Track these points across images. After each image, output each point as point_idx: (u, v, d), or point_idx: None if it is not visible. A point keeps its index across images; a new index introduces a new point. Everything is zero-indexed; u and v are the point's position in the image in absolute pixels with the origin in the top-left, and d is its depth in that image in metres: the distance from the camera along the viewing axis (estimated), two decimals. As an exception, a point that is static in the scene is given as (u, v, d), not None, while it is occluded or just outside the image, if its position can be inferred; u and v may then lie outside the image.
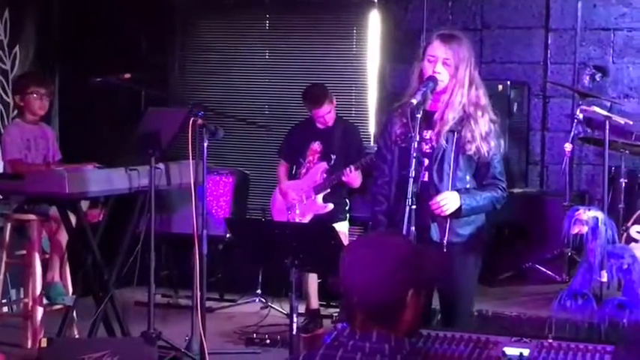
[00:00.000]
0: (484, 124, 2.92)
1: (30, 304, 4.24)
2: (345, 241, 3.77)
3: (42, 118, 4.58)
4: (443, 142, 2.92)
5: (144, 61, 5.47)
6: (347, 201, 4.69)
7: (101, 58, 5.31)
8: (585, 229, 3.97)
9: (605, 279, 3.98)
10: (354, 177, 4.51)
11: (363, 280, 1.60)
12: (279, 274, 4.00)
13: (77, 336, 4.33)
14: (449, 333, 2.22)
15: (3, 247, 4.31)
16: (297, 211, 4.69)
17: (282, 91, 5.66)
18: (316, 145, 4.65)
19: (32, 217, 4.25)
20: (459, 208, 2.87)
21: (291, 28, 5.80)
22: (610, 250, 3.95)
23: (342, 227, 4.43)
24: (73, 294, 4.46)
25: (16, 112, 4.87)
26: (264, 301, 5.27)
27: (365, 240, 2.04)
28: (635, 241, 4.25)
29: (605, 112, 4.30)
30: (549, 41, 5.07)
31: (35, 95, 4.37)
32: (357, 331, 1.60)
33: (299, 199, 4.70)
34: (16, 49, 5.55)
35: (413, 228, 2.70)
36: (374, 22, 5.53)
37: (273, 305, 5.13)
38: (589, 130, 4.74)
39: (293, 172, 4.76)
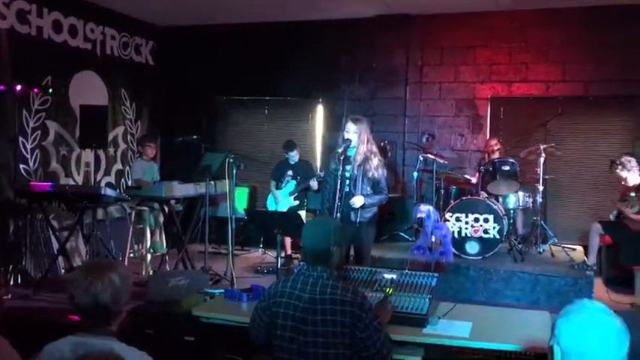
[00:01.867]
0: (375, 162, 4.47)
1: (144, 252, 6.55)
2: (304, 221, 5.64)
3: (151, 159, 7.08)
4: (356, 171, 4.44)
5: (204, 130, 8.05)
6: (305, 200, 7.12)
7: (181, 128, 7.61)
8: (424, 214, 6.06)
9: (433, 240, 6.05)
10: (315, 184, 6.97)
11: (312, 243, 2.68)
12: (271, 236, 5.70)
13: (168, 269, 6.21)
14: (358, 267, 3.49)
15: (131, 224, 6.63)
16: (281, 205, 7.12)
17: (273, 145, 8.21)
18: (289, 172, 7.16)
19: (145, 208, 6.56)
20: (364, 204, 4.41)
21: (279, 113, 8.62)
22: (436, 225, 6.06)
23: (302, 214, 6.81)
24: (166, 247, 6.81)
25: (138, 155, 7.53)
26: (263, 250, 7.65)
27: (314, 220, 3.50)
28: (447, 220, 6.17)
29: (432, 157, 6.61)
30: (406, 121, 7.81)
31: (147, 147, 6.93)
32: (310, 267, 2.59)
33: (282, 199, 7.20)
34: (139, 122, 8.30)
35: (339, 214, 4.28)
36: (319, 111, 8.34)
37: (268, 252, 7.45)
38: (425, 165, 6.92)
39: (277, 186, 7.26)
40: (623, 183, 5.84)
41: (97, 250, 6.47)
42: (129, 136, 8.36)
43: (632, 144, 7.29)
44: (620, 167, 5.73)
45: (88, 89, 7.62)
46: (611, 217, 5.99)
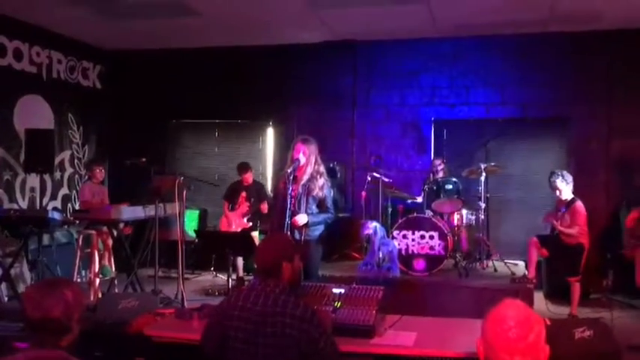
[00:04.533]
0: (321, 181, 4.54)
1: (92, 277, 6.54)
2: (256, 242, 5.93)
3: (100, 182, 7.08)
4: (300, 190, 4.48)
5: (153, 153, 7.68)
6: (258, 222, 7.19)
7: (130, 151, 7.27)
8: (371, 231, 6.15)
9: (380, 256, 6.12)
10: (265, 207, 7.08)
11: (262, 257, 2.75)
12: (223, 259, 6.40)
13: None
14: (305, 283, 3.51)
15: (78, 248, 6.61)
16: (234, 227, 7.18)
17: (225, 167, 8.39)
18: (243, 194, 7.23)
19: (93, 231, 6.58)
20: (307, 222, 4.45)
21: (230, 135, 8.73)
22: (382, 242, 6.17)
23: (255, 235, 6.88)
24: (114, 271, 6.83)
25: (86, 178, 7.50)
26: (215, 273, 7.70)
27: (265, 237, 3.52)
28: (394, 238, 6.32)
29: (378, 176, 6.80)
30: (354, 142, 8.10)
31: (96, 170, 6.93)
32: (262, 281, 2.68)
33: (235, 220, 7.26)
34: (86, 147, 8.23)
35: (289, 232, 4.23)
36: (270, 133, 8.53)
37: (219, 275, 7.53)
38: (373, 185, 7.03)
39: (231, 208, 7.31)
40: (557, 194, 6.10)
41: (43, 277, 6.33)
42: (76, 161, 8.25)
43: (567, 163, 7.70)
44: (560, 178, 6.01)
45: (34, 113, 7.54)
46: (549, 231, 6.27)
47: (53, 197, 7.86)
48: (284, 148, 7.75)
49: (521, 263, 6.97)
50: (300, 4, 6.66)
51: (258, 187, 7.44)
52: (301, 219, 4.42)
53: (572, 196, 6.08)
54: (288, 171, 4.41)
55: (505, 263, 6.85)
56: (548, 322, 3.61)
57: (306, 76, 8.35)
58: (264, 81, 8.36)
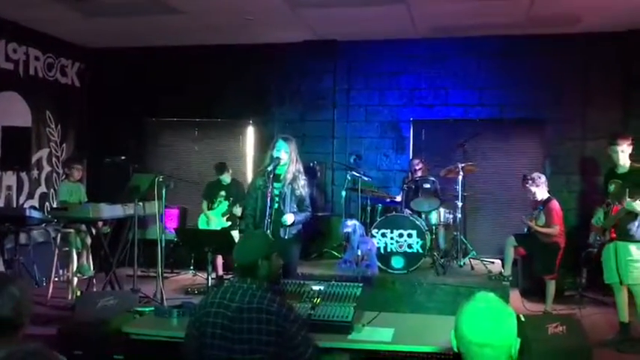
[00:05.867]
0: (302, 181, 4.64)
1: (70, 276, 6.47)
2: (236, 241, 5.55)
3: (78, 180, 7.02)
4: (285, 189, 4.57)
5: (132, 151, 7.97)
6: (237, 221, 7.16)
7: (109, 150, 7.54)
8: (350, 229, 6.13)
9: (359, 254, 6.05)
10: (238, 211, 6.96)
11: (239, 255, 2.79)
12: (202, 257, 6.07)
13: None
14: (285, 280, 3.65)
15: (55, 247, 6.54)
16: (213, 226, 7.18)
17: (203, 166, 8.38)
18: (222, 193, 7.27)
19: (71, 230, 6.49)
20: (294, 221, 4.57)
21: (209, 134, 8.69)
22: (361, 240, 6.13)
23: (235, 233, 6.75)
24: (93, 270, 6.79)
25: (64, 176, 7.35)
26: (194, 272, 7.72)
27: (246, 234, 4.04)
28: (373, 236, 6.28)
29: (358, 175, 6.75)
30: (334, 142, 8.13)
31: (74, 168, 6.86)
32: (239, 279, 2.74)
33: (214, 219, 7.29)
34: (64, 145, 8.14)
35: (269, 231, 4.31)
36: (250, 132, 8.51)
37: (199, 274, 7.54)
38: (353, 184, 6.89)
39: (209, 207, 7.34)
40: (532, 197, 6.26)
41: (20, 276, 6.30)
42: (54, 159, 8.16)
43: (542, 163, 7.85)
44: (530, 182, 6.16)
45: (11, 110, 7.44)
46: (525, 230, 6.39)
47: (30, 196, 7.77)
48: (264, 147, 7.68)
49: (498, 261, 7.04)
50: (281, 3, 6.69)
51: (237, 186, 7.44)
52: (290, 218, 4.49)
53: (548, 195, 6.21)
54: (269, 169, 4.46)
55: (482, 261, 6.94)
56: (523, 319, 3.71)
57: (287, 76, 8.39)
58: (245, 80, 8.37)
